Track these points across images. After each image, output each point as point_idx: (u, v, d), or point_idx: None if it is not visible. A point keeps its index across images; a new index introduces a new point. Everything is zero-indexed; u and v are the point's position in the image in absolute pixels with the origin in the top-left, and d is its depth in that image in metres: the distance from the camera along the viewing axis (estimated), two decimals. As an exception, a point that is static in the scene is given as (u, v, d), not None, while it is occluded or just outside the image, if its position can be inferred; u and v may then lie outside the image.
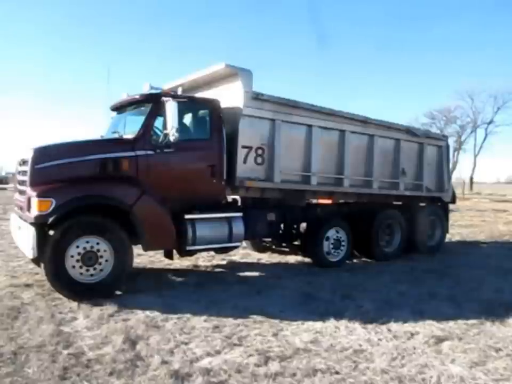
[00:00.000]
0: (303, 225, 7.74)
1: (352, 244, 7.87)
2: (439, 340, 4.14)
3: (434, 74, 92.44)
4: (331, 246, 7.61)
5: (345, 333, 4.31)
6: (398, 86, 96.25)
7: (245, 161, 6.57)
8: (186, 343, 3.99)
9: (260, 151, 6.75)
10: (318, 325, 4.51)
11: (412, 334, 4.29)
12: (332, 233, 7.63)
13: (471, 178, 50.87)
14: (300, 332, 4.32)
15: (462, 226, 14.43)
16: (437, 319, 4.69)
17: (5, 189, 30.88)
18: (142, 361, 3.59)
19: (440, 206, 9.88)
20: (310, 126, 7.29)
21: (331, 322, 4.55)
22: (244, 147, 6.56)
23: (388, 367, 3.54)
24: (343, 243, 7.75)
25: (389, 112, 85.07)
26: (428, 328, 4.46)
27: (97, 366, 3.48)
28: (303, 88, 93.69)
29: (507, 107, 47.55)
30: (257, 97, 6.58)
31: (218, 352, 3.80)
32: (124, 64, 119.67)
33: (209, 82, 7.01)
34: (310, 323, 4.55)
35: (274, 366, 3.51)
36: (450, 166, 12.58)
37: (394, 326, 4.50)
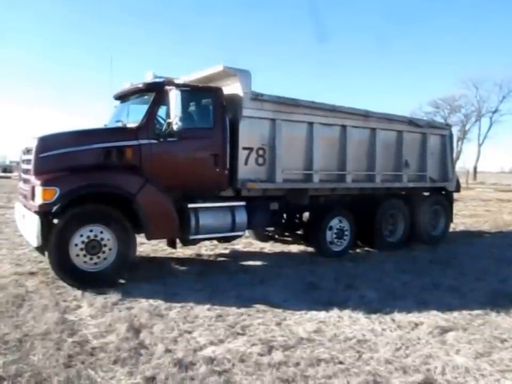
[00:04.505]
0: (306, 214, 7.72)
1: (355, 234, 7.86)
2: (444, 331, 4.13)
3: (438, 64, 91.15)
4: (334, 236, 7.59)
5: (348, 323, 4.31)
6: (401, 76, 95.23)
7: (246, 163, 6.53)
8: (189, 332, 4.00)
9: (261, 152, 6.70)
10: (322, 314, 4.51)
11: (416, 325, 4.28)
12: (335, 222, 7.61)
13: (475, 168, 50.56)
14: (303, 322, 4.32)
15: (465, 216, 14.36)
16: (441, 310, 4.68)
17: (9, 177, 30.98)
18: (146, 350, 3.60)
19: (444, 195, 9.79)
20: (311, 124, 7.22)
21: (334, 312, 4.55)
22: (244, 148, 6.51)
23: (392, 357, 3.54)
24: (346, 232, 7.73)
25: (393, 102, 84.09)
26: (432, 318, 4.45)
27: (102, 354, 3.50)
28: (303, 81, 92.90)
29: (513, 96, 47.03)
30: (256, 98, 6.51)
31: (221, 341, 3.81)
32: (127, 56, 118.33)
33: (208, 83, 6.88)
34: (314, 313, 4.55)
35: (277, 356, 3.51)
36: (454, 155, 12.47)
37: (398, 316, 4.49)
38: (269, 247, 8.34)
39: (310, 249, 7.97)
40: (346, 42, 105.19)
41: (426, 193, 9.58)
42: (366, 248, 8.36)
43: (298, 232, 8.17)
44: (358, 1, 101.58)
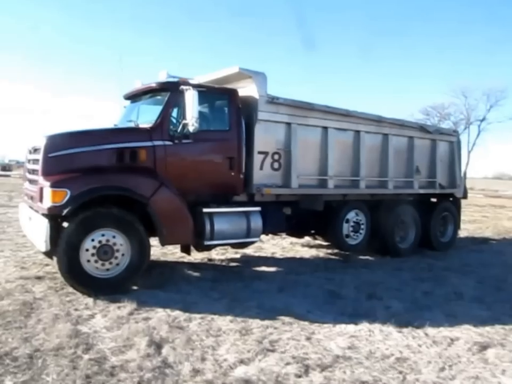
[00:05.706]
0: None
1: (371, 228, 7.69)
2: (482, 347, 3.93)
3: (429, 74, 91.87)
4: (351, 229, 7.48)
5: (381, 337, 4.09)
6: (393, 84, 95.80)
7: (261, 168, 6.31)
8: (214, 348, 3.73)
9: (276, 156, 6.48)
10: (351, 328, 4.28)
11: (452, 340, 4.07)
12: (351, 215, 7.50)
13: (465, 174, 50.66)
14: (333, 336, 4.09)
15: (465, 221, 14.24)
16: (472, 323, 4.49)
17: (8, 175, 30.35)
18: (171, 369, 3.32)
19: (452, 201, 9.69)
20: (325, 128, 7.06)
21: (364, 325, 4.33)
22: (260, 153, 6.30)
23: (437, 379, 3.31)
24: (362, 226, 7.62)
25: (385, 109, 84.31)
26: (465, 332, 4.26)
27: (123, 374, 3.20)
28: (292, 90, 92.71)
29: (499, 105, 47.10)
30: (272, 101, 6.30)
31: (251, 359, 3.53)
32: (127, 55, 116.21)
33: (222, 84, 6.63)
34: (342, 326, 4.33)
35: (316, 377, 3.27)
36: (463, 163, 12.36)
37: (430, 330, 4.28)
38: (280, 252, 8.13)
39: (321, 254, 7.80)
40: (334, 54, 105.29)
41: (434, 200, 9.46)
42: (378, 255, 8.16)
43: (312, 231, 7.95)
44: (343, 14, 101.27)
